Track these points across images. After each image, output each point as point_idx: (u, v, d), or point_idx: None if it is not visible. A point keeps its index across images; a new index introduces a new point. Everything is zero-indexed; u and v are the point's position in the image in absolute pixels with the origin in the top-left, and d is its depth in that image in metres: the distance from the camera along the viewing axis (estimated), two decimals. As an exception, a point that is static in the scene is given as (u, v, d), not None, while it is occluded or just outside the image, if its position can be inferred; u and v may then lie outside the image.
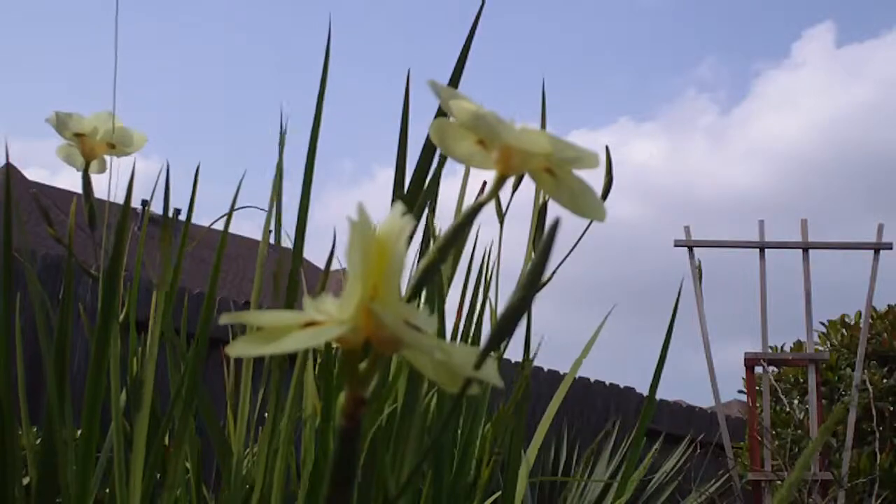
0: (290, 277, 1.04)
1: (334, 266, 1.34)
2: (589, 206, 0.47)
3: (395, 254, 0.38)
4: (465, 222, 0.47)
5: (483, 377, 0.39)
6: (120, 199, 1.36)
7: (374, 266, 0.38)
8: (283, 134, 1.22)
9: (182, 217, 1.28)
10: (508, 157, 0.45)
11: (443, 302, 1.18)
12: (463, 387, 0.41)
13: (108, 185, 1.32)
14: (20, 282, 1.04)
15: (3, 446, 0.95)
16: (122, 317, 1.28)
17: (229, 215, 1.23)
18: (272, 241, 1.32)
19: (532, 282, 0.39)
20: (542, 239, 0.38)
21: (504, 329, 0.40)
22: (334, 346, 1.09)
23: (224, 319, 0.37)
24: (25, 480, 1.10)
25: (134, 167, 1.24)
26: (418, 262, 1.17)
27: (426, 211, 1.12)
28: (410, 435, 1.05)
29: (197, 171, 1.25)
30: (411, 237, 0.47)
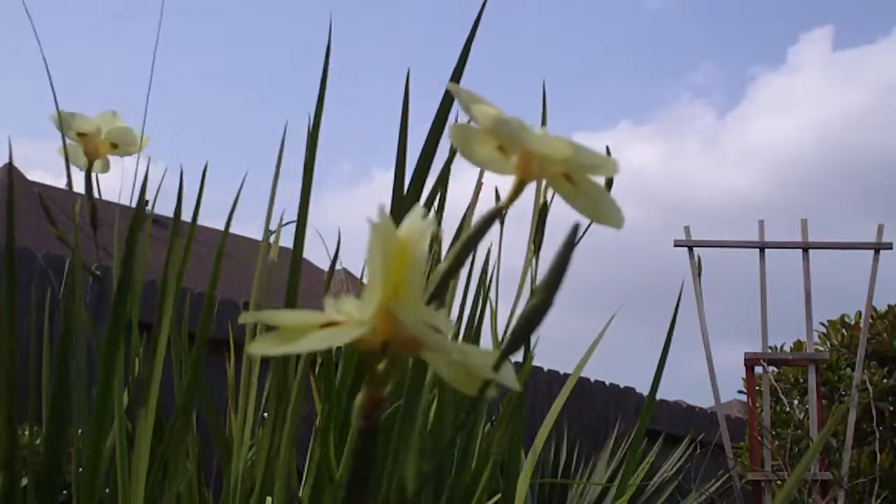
0: (290, 277, 1.04)
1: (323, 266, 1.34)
2: (607, 212, 0.47)
3: (417, 256, 0.38)
4: (483, 227, 0.46)
5: (501, 379, 0.39)
6: (119, 200, 1.36)
7: (395, 268, 0.37)
8: (283, 142, 1.22)
9: (184, 217, 1.28)
10: (528, 163, 0.45)
11: (445, 303, 1.18)
12: (480, 389, 0.40)
13: (104, 185, 1.32)
14: (22, 282, 1.04)
15: (8, 446, 0.95)
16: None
17: (268, 230, 1.22)
18: (270, 241, 1.32)
19: (553, 284, 0.39)
20: (563, 242, 0.38)
21: (525, 331, 0.40)
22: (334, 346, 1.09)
23: (242, 319, 0.37)
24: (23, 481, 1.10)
25: (147, 169, 1.24)
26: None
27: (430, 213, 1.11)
28: (412, 435, 1.04)
29: (204, 175, 1.25)
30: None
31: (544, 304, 0.40)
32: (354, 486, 0.38)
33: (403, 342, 0.38)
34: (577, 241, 1.32)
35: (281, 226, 1.24)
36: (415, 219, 0.39)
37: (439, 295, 0.47)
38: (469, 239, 0.46)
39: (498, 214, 0.47)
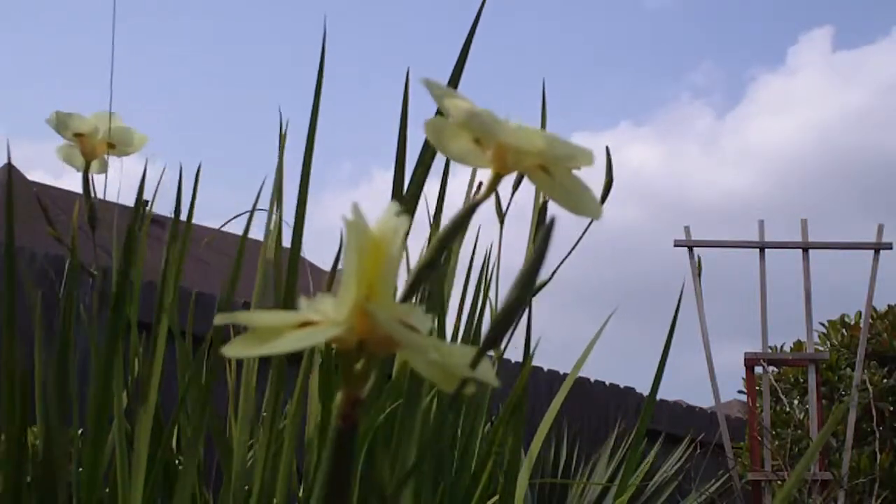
0: (288, 277, 1.05)
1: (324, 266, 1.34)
2: (584, 204, 0.47)
3: (391, 253, 0.38)
4: (461, 221, 0.47)
5: (479, 377, 0.39)
6: (121, 200, 1.36)
7: (370, 266, 0.38)
8: (283, 135, 1.22)
9: (182, 217, 1.29)
10: (503, 155, 0.45)
11: (444, 302, 1.19)
12: (459, 386, 0.41)
13: (104, 185, 1.33)
14: (23, 283, 1.05)
15: (12, 445, 0.96)
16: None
17: (248, 221, 1.23)
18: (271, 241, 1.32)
19: (528, 280, 0.39)
20: (539, 238, 0.38)
21: (500, 328, 0.40)
22: (334, 345, 1.09)
23: (219, 320, 0.37)
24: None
25: (145, 170, 1.24)
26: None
27: (429, 212, 1.12)
28: (411, 435, 1.05)
29: (198, 172, 1.25)
30: (407, 237, 0.47)
31: (519, 300, 0.40)
32: (333, 486, 0.39)
33: (379, 341, 0.38)
34: (577, 242, 1.32)
35: (254, 210, 1.24)
36: (389, 216, 0.39)
37: (417, 289, 0.47)
38: (447, 232, 0.47)
39: (476, 208, 0.47)
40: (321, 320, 0.38)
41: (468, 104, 0.45)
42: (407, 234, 0.39)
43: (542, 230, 0.38)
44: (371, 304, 0.38)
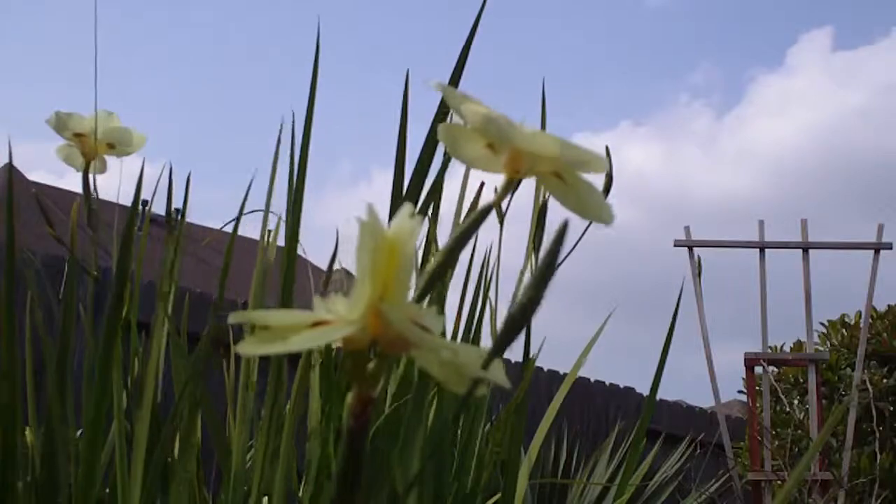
0: (285, 276, 1.04)
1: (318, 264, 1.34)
2: (596, 209, 0.46)
3: (405, 254, 0.38)
4: (473, 225, 0.46)
5: (491, 378, 0.39)
6: (121, 200, 1.36)
7: (384, 266, 0.37)
8: (280, 135, 1.22)
9: (189, 218, 1.29)
10: (517, 161, 0.45)
11: (443, 303, 1.18)
12: (470, 387, 0.40)
13: (92, 183, 1.32)
14: (22, 283, 1.05)
15: (6, 446, 0.95)
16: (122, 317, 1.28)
17: (237, 220, 1.22)
18: (269, 240, 1.32)
19: (542, 282, 0.39)
20: (552, 239, 0.38)
21: (513, 329, 0.40)
22: (334, 346, 1.09)
23: (233, 319, 0.37)
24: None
25: (142, 169, 1.24)
26: (420, 265, 1.17)
27: (427, 213, 1.12)
28: (416, 434, 1.05)
29: (189, 176, 1.25)
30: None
31: (533, 301, 0.40)
32: (345, 485, 0.39)
33: (392, 341, 0.38)
34: (577, 242, 1.32)
35: (244, 212, 1.24)
36: (403, 217, 0.39)
37: (430, 292, 0.47)
38: (460, 235, 0.46)
39: (489, 211, 0.47)
40: (334, 320, 0.38)
41: (485, 109, 0.44)
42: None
43: (556, 232, 0.38)
44: (384, 304, 0.38)
